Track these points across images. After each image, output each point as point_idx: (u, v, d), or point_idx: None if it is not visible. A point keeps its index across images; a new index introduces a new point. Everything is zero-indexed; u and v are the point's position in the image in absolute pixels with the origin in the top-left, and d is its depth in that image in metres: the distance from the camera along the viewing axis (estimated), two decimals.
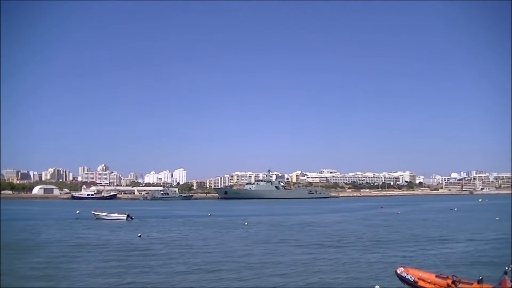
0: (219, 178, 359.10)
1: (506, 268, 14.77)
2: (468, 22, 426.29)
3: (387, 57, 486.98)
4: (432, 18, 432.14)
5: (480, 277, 16.05)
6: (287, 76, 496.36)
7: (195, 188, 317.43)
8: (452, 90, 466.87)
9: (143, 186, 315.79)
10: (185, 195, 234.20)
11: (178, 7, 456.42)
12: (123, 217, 65.95)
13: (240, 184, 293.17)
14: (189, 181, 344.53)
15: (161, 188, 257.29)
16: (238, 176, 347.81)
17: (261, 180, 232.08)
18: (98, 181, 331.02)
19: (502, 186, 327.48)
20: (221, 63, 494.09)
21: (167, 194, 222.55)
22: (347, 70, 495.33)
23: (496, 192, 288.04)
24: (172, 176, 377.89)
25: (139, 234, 43.92)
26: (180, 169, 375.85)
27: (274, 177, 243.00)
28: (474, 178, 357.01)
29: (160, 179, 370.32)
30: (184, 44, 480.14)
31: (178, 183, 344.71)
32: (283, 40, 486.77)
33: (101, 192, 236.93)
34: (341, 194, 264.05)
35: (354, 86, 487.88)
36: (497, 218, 61.05)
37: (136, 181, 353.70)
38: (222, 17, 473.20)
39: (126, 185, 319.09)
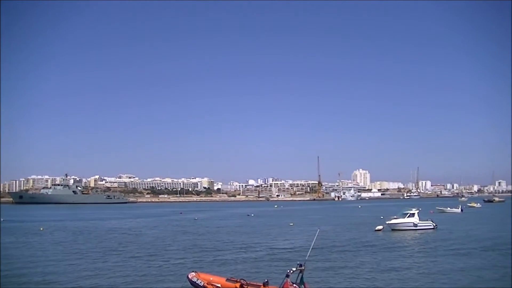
0: (14, 181, 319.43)
1: (288, 271, 14.87)
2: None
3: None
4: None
5: (266, 280, 16.10)
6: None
7: None
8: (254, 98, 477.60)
9: None
10: None
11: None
12: None
13: (36, 188, 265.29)
14: None
15: None
16: (34, 180, 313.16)
17: (58, 185, 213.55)
18: None
19: (297, 193, 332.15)
20: None
21: None
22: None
23: (291, 198, 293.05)
24: None
25: None
26: None
27: (71, 182, 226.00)
28: (271, 185, 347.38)
29: None
30: None
31: None
32: None
33: None
34: (139, 200, 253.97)
35: (150, 98, 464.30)
36: (291, 224, 61.57)
37: None
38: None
39: None
